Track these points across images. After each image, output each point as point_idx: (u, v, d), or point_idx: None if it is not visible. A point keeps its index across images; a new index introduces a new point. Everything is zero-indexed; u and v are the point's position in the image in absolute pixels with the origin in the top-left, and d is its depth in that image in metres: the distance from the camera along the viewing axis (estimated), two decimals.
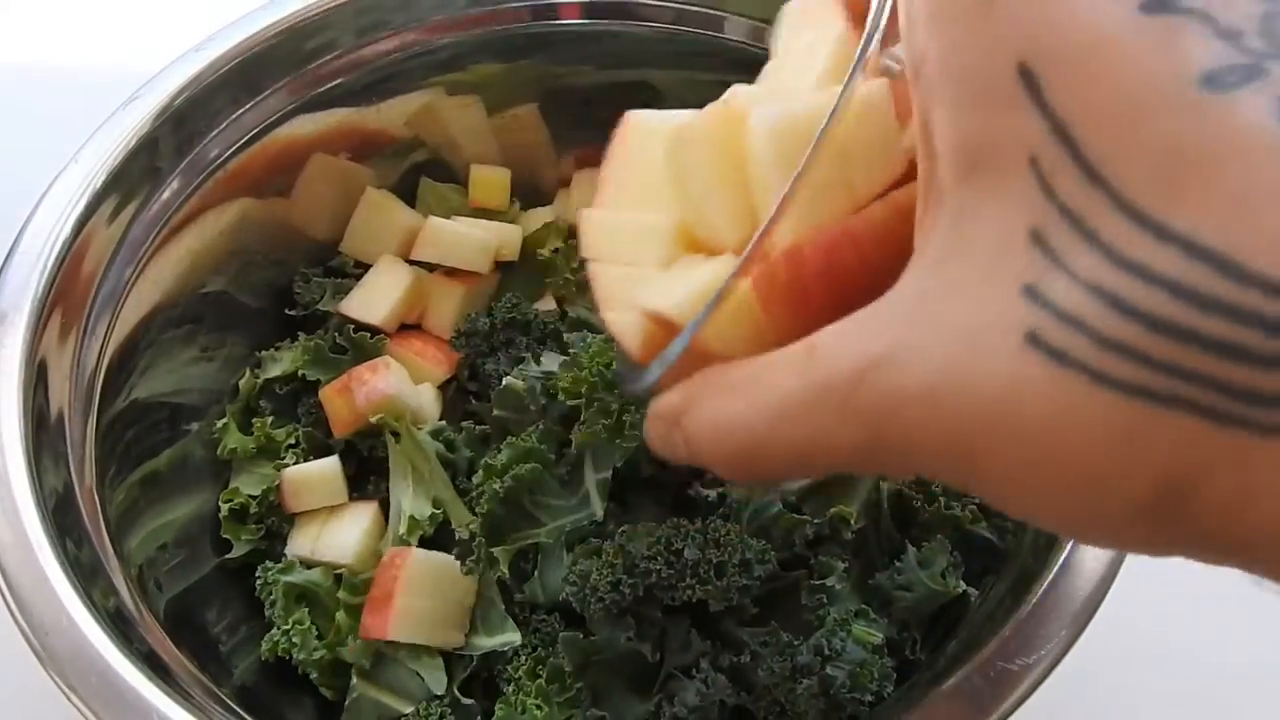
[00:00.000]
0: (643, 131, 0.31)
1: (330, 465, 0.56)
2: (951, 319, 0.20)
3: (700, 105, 0.32)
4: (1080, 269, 0.18)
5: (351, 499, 0.56)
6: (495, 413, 0.54)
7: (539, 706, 0.45)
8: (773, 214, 0.23)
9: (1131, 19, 0.18)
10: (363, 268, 0.63)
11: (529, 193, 0.67)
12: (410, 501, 0.54)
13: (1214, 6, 0.18)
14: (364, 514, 0.55)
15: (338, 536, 0.54)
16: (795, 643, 0.45)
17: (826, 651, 0.44)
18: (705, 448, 0.24)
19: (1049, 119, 0.19)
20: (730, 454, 0.24)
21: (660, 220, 0.28)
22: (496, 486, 0.48)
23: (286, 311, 0.62)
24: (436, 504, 0.53)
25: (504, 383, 0.53)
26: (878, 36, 0.24)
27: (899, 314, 0.21)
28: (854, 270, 0.24)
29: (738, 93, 0.28)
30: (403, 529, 0.52)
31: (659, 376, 0.25)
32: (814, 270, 0.24)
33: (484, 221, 0.64)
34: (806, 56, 0.28)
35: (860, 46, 0.23)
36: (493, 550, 0.49)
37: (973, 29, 0.20)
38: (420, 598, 0.50)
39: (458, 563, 0.50)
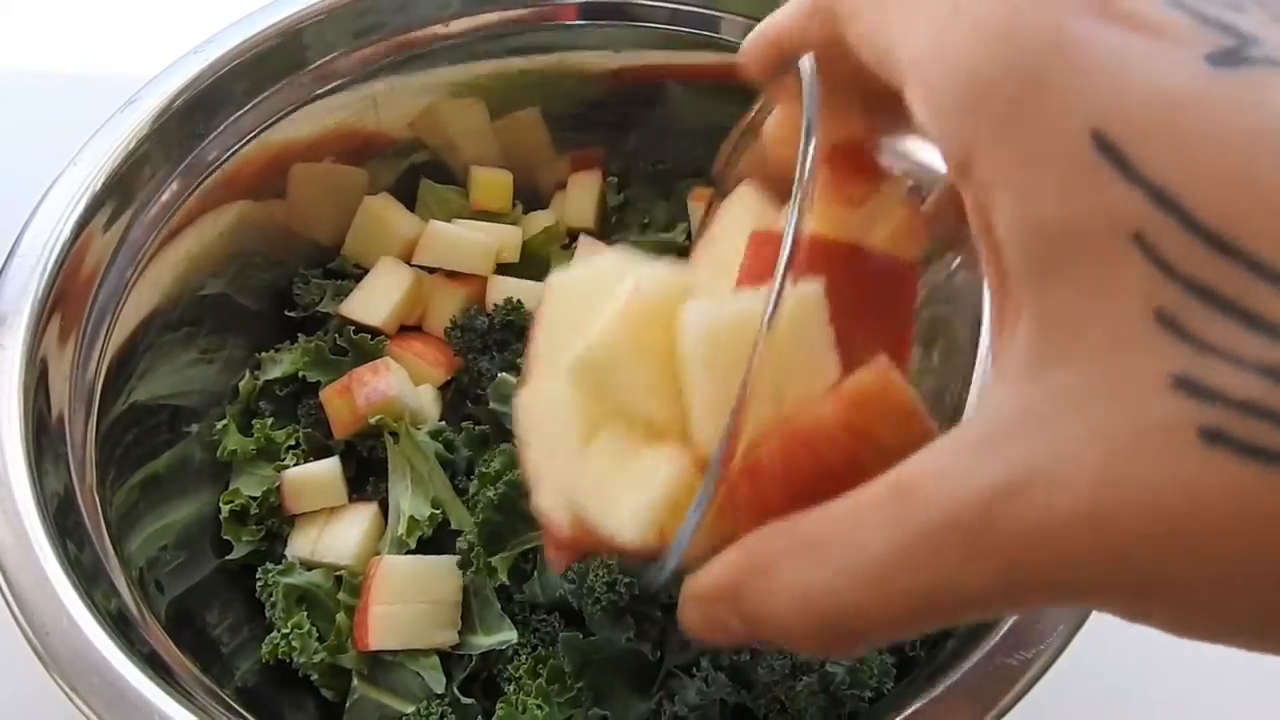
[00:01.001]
0: (566, 293, 0.28)
1: (330, 466, 0.56)
2: (1088, 429, 0.17)
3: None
4: (1241, 350, 0.16)
5: (351, 500, 0.56)
6: (491, 406, 0.54)
7: (540, 706, 0.45)
8: (726, 440, 0.21)
9: (1204, 73, 0.17)
10: (363, 269, 0.63)
11: (529, 195, 0.67)
12: (409, 502, 0.54)
13: None
14: (364, 515, 0.55)
15: (337, 538, 0.54)
16: None
17: None
18: (783, 622, 0.21)
19: (1146, 188, 0.17)
20: (820, 625, 0.20)
21: (579, 399, 0.26)
22: (491, 494, 0.49)
23: (286, 313, 0.62)
24: (435, 504, 0.53)
25: (499, 377, 0.53)
26: (792, 230, 0.21)
27: (1011, 434, 0.18)
28: (810, 472, 0.23)
29: (644, 283, 0.25)
30: (402, 529, 0.53)
31: (674, 566, 0.23)
32: (773, 481, 0.23)
33: (484, 224, 0.64)
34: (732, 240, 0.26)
35: (783, 250, 0.21)
36: (491, 559, 0.49)
37: (1030, 106, 0.18)
38: (397, 603, 0.50)
39: (437, 561, 0.50)
